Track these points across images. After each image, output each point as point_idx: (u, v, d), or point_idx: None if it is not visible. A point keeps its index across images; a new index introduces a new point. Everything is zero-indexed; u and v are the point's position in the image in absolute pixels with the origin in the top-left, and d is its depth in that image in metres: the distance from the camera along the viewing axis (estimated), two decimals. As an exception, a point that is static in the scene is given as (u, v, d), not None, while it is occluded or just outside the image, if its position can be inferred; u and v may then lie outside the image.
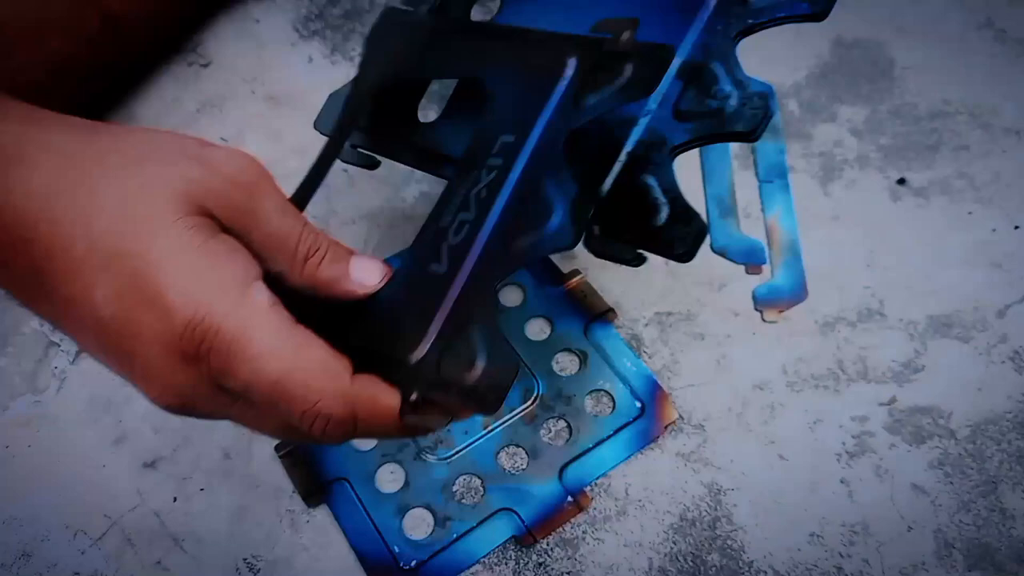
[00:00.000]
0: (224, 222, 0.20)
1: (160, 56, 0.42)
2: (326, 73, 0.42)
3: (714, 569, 0.29)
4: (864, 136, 0.40)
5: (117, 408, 0.32)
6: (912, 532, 0.30)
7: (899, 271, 0.36)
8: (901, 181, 0.39)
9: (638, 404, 0.32)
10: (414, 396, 0.20)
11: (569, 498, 0.30)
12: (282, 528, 0.30)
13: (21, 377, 0.33)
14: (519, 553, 0.30)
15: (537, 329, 0.34)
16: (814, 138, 0.40)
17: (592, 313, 0.34)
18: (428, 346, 0.21)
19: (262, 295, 0.20)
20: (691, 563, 0.29)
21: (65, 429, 0.32)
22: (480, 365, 0.20)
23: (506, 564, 0.29)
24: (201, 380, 0.19)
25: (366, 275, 0.22)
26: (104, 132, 0.21)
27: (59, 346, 0.34)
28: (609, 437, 0.31)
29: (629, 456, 0.31)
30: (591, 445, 0.31)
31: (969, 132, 0.40)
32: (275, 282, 0.21)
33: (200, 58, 0.42)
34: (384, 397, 0.20)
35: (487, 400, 0.20)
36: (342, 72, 0.42)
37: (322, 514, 0.30)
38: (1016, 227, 0.37)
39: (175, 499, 0.30)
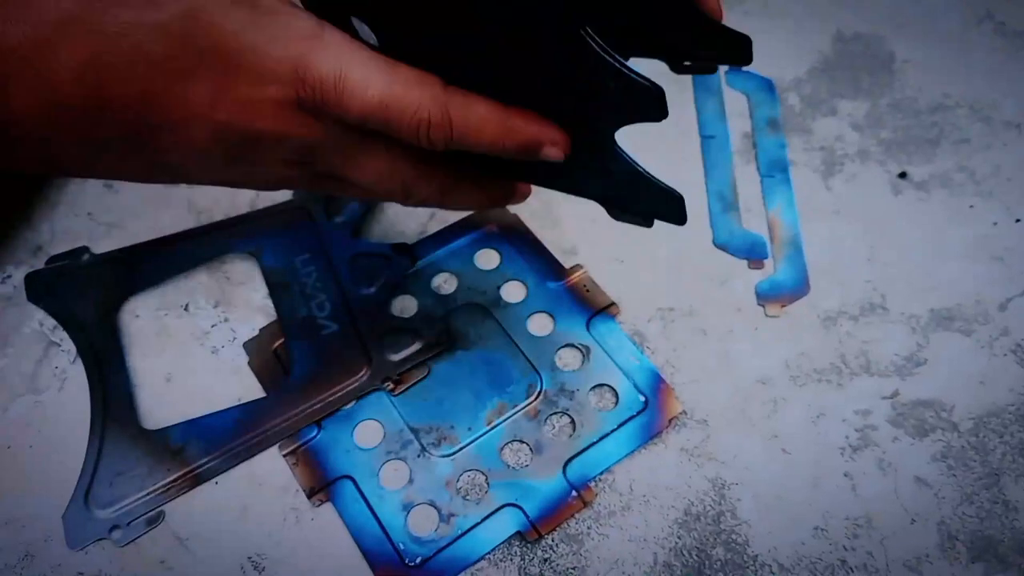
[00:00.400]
0: None
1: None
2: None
3: (718, 563, 0.29)
4: (865, 130, 0.40)
5: (119, 407, 0.32)
6: (915, 525, 0.30)
7: (901, 265, 0.36)
8: (902, 175, 0.39)
9: (641, 398, 0.32)
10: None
11: (573, 493, 0.30)
12: (287, 526, 0.30)
13: (21, 377, 0.33)
14: (524, 549, 0.30)
15: (539, 325, 0.34)
16: (815, 132, 0.40)
17: (594, 308, 0.34)
18: (372, 356, 0.29)
19: (336, 35, 0.21)
20: (696, 557, 0.29)
21: (67, 429, 0.32)
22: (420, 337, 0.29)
23: (511, 560, 0.29)
24: (329, 124, 0.22)
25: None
26: None
27: (59, 346, 0.34)
28: (613, 431, 0.31)
29: (633, 451, 0.31)
30: (595, 440, 0.31)
31: (969, 126, 0.40)
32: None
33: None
34: (475, 99, 0.22)
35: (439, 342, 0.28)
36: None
37: (326, 512, 0.30)
38: (1017, 220, 0.37)
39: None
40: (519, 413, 0.32)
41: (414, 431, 0.31)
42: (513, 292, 0.35)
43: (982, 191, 0.38)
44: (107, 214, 0.37)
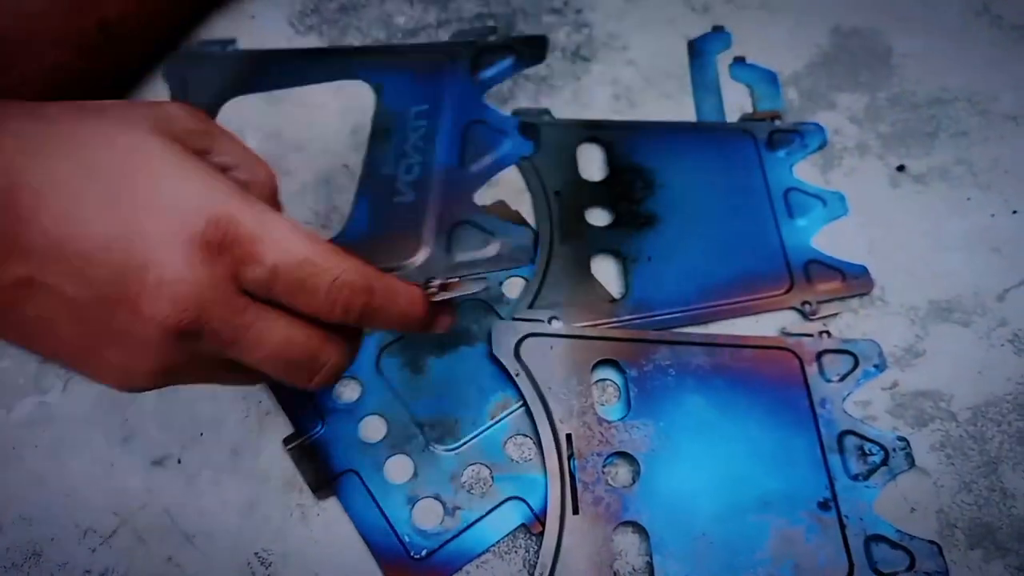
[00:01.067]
0: (189, 144, 0.21)
1: (156, 53, 0.41)
2: (324, 67, 0.42)
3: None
4: (863, 124, 0.40)
5: (123, 407, 0.32)
6: (915, 513, 0.30)
7: (899, 257, 0.36)
8: (900, 168, 0.39)
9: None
10: (435, 283, 0.23)
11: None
12: (292, 522, 0.30)
13: (26, 378, 0.33)
14: (528, 541, 0.30)
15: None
16: (813, 126, 0.40)
17: None
18: (430, 247, 0.26)
19: (261, 203, 0.21)
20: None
21: (72, 429, 0.32)
22: (496, 238, 0.26)
23: (516, 552, 0.30)
24: (223, 276, 0.19)
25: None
26: (66, 104, 0.21)
27: (63, 345, 0.34)
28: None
29: None
30: None
31: (967, 119, 0.40)
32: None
33: (197, 54, 0.42)
34: (400, 283, 0.22)
35: (518, 258, 0.26)
36: (341, 66, 0.42)
37: (332, 507, 0.30)
38: (1014, 212, 0.38)
39: (184, 496, 0.31)
40: (522, 408, 0.32)
41: (419, 425, 0.32)
42: (514, 288, 0.35)
43: (980, 183, 0.38)
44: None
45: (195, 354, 0.20)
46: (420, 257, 0.28)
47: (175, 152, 0.20)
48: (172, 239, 0.19)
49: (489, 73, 0.33)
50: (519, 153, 0.30)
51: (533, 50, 0.33)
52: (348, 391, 0.33)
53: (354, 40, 0.43)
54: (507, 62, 0.33)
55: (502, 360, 0.32)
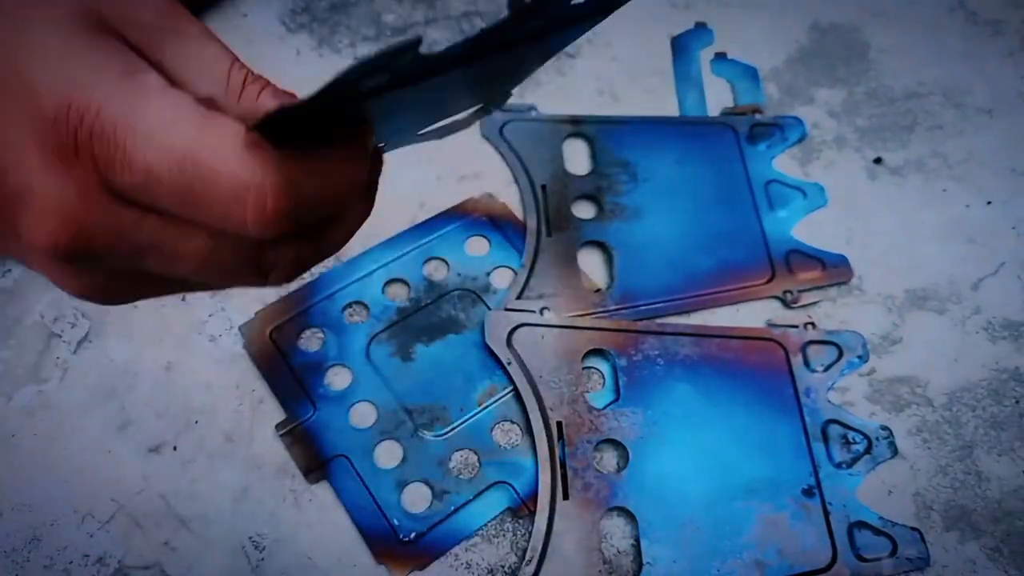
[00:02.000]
0: (132, 41, 0.16)
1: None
2: (314, 66, 0.43)
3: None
4: (841, 118, 0.41)
5: (120, 395, 0.33)
6: (892, 496, 0.31)
7: (877, 247, 0.37)
8: (878, 160, 0.40)
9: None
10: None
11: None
12: (285, 507, 0.31)
13: (24, 368, 0.34)
14: (516, 524, 0.31)
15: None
16: (794, 120, 0.41)
17: None
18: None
19: (153, 77, 0.15)
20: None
21: (69, 417, 0.33)
22: None
23: (504, 536, 0.30)
24: (89, 183, 0.14)
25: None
26: None
27: (61, 337, 0.35)
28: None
29: None
30: None
31: (943, 112, 0.41)
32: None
33: (191, 53, 0.43)
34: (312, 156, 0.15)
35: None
36: (330, 65, 0.43)
37: (324, 493, 0.31)
38: (989, 203, 0.39)
39: (180, 482, 0.31)
40: (510, 394, 0.33)
41: (408, 412, 0.32)
42: (502, 278, 0.36)
43: (955, 175, 0.39)
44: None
45: (111, 272, 0.16)
46: None
47: (72, 27, 0.15)
48: (25, 141, 0.14)
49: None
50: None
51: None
52: (339, 379, 0.33)
53: (344, 38, 0.44)
54: None
55: (494, 349, 0.33)
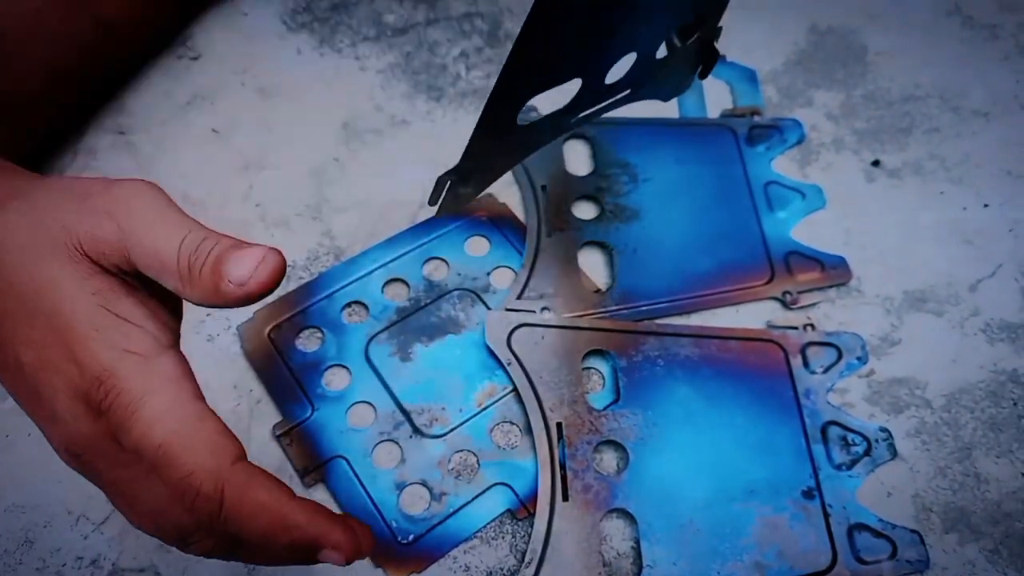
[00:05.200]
0: (110, 264, 0.20)
1: (150, 50, 0.42)
2: (314, 65, 0.42)
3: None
4: (839, 120, 0.41)
5: (115, 396, 0.33)
6: (892, 497, 0.31)
7: (875, 249, 0.37)
8: (876, 163, 0.40)
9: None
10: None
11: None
12: (282, 508, 0.31)
13: (18, 367, 0.34)
14: (515, 527, 0.30)
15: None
16: (792, 123, 0.41)
17: None
18: None
19: (167, 366, 0.20)
20: (681, 531, 0.30)
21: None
22: None
23: (503, 538, 0.30)
24: (101, 433, 0.20)
25: (238, 268, 0.20)
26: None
27: (55, 336, 0.34)
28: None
29: None
30: None
31: (940, 115, 0.41)
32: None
33: (190, 51, 0.43)
34: (259, 489, 0.19)
35: None
36: (330, 64, 0.43)
37: (321, 495, 0.31)
38: (986, 205, 0.39)
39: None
40: (509, 395, 0.33)
41: (406, 412, 0.32)
42: (502, 278, 0.36)
43: (952, 178, 0.40)
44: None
45: (84, 466, 0.21)
46: None
47: (85, 296, 0.20)
48: (66, 387, 0.20)
49: None
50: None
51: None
52: (337, 379, 0.33)
53: (345, 37, 0.44)
54: None
55: (494, 349, 0.33)
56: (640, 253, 0.36)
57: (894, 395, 0.33)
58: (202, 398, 0.21)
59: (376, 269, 0.36)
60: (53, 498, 0.30)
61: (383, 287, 0.35)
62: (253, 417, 0.33)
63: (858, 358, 0.34)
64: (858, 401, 0.33)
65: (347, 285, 0.35)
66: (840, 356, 0.34)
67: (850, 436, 0.32)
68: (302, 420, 0.32)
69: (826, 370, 0.33)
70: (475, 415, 0.32)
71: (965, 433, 0.33)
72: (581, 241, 0.37)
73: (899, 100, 0.42)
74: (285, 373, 0.33)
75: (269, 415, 0.33)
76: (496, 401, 0.32)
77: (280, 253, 0.20)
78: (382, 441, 0.32)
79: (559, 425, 0.31)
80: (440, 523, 0.30)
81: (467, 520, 0.30)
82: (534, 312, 0.34)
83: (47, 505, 0.30)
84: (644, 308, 0.35)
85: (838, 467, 0.31)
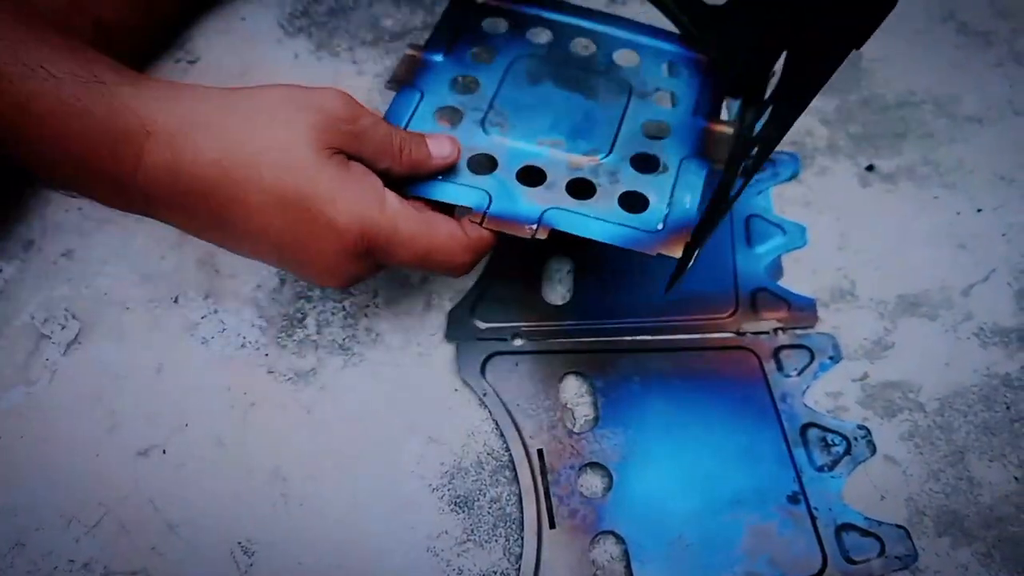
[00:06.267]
0: (343, 148, 0.27)
1: (148, 54, 0.42)
2: (312, 69, 0.43)
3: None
4: (834, 125, 0.42)
5: (109, 398, 0.33)
6: (885, 501, 0.31)
7: (869, 253, 0.37)
8: (870, 168, 0.40)
9: (660, 226, 0.30)
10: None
11: (534, 227, 0.29)
12: (275, 512, 0.30)
13: (13, 369, 0.33)
14: (508, 530, 0.30)
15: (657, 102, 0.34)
16: (787, 128, 0.42)
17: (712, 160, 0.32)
18: None
19: (393, 198, 0.28)
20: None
21: (58, 419, 0.32)
22: None
23: (495, 542, 0.30)
24: (368, 266, 0.28)
25: (440, 149, 0.30)
26: (237, 98, 0.26)
27: (50, 338, 0.34)
28: (609, 221, 0.29)
29: (607, 239, 0.29)
30: (589, 215, 0.29)
31: (934, 120, 0.42)
32: (385, 176, 0.28)
33: (187, 55, 0.43)
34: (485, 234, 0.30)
35: None
36: (328, 68, 0.43)
37: (315, 498, 0.31)
38: (979, 210, 0.39)
39: (169, 486, 0.31)
40: (564, 157, 0.31)
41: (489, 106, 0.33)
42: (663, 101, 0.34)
43: (946, 183, 0.40)
44: (98, 211, 0.38)
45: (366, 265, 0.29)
46: None
47: (335, 170, 0.26)
48: (331, 250, 0.27)
49: None
50: None
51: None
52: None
53: (342, 42, 0.44)
54: None
55: (469, 382, 0.32)
56: (600, 272, 0.36)
57: (887, 399, 0.34)
58: (425, 207, 0.29)
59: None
60: (45, 501, 0.30)
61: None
62: (247, 420, 0.33)
63: (830, 357, 0.34)
64: (851, 405, 0.33)
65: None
66: (813, 357, 0.34)
67: (829, 436, 0.32)
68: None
69: (800, 372, 0.33)
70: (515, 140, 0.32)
71: (958, 437, 0.33)
72: (540, 256, 0.36)
73: (894, 105, 0.42)
74: None
75: (263, 418, 0.33)
76: (554, 144, 0.32)
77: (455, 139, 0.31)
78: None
79: (540, 452, 0.31)
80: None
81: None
82: (505, 340, 0.34)
83: (39, 507, 0.30)
84: (610, 327, 0.34)
85: (820, 469, 0.31)
